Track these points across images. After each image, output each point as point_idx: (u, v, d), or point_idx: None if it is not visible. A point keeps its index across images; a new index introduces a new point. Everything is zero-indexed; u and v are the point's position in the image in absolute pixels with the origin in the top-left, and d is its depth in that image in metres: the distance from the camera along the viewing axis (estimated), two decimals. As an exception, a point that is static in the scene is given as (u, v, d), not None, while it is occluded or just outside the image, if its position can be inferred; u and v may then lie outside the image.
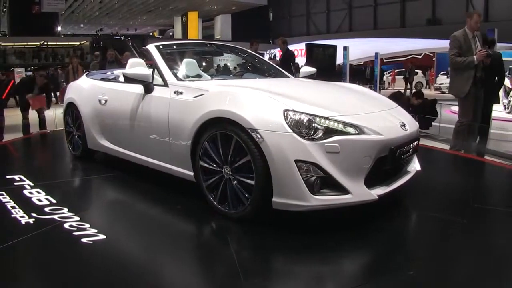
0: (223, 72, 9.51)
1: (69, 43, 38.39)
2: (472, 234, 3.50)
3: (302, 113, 3.37)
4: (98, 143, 5.49)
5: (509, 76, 11.29)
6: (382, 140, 3.47)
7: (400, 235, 3.57)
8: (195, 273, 3.00)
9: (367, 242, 3.32)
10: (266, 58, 19.08)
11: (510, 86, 11.18)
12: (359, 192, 3.33)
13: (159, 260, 3.06)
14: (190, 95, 4.07)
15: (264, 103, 3.56)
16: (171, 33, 54.94)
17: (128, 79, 4.50)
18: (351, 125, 3.39)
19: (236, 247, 3.22)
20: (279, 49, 11.91)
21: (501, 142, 9.33)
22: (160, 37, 58.13)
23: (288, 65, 10.55)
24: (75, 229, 3.49)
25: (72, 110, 5.95)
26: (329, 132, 3.30)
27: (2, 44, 33.09)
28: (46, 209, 3.92)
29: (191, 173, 4.04)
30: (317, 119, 3.34)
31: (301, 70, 5.65)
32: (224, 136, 3.61)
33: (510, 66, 11.41)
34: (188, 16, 46.22)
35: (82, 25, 56.12)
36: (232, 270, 2.86)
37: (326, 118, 3.36)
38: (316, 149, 3.22)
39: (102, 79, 5.88)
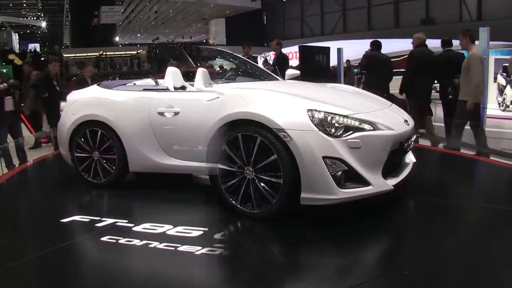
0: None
1: (127, 52, 39.25)
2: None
3: (324, 112, 3.56)
4: (154, 163, 4.77)
5: (503, 74, 11.79)
6: (395, 135, 3.71)
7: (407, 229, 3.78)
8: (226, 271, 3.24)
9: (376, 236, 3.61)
10: (260, 61, 19.56)
11: (503, 84, 11.73)
12: (378, 183, 3.54)
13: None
14: (204, 98, 4.21)
15: (287, 104, 3.75)
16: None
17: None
18: (367, 122, 3.61)
19: (259, 243, 3.49)
20: (273, 52, 12.04)
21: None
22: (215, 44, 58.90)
23: (281, 68, 9.95)
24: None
25: (92, 130, 5.06)
26: (348, 129, 3.52)
27: (65, 55, 35.04)
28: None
29: (206, 177, 4.14)
30: (337, 117, 3.54)
31: (286, 72, 5.65)
32: (246, 138, 3.68)
33: (504, 64, 11.80)
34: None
35: (139, 35, 57.34)
36: (258, 265, 3.17)
37: (345, 116, 3.58)
38: (340, 145, 3.43)
39: (151, 90, 5.14)
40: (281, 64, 10.75)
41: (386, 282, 2.81)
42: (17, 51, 41.55)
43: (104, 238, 3.69)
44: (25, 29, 56.00)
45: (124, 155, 4.92)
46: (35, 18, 51.11)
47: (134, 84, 5.73)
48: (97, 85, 5.62)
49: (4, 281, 3.10)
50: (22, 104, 9.03)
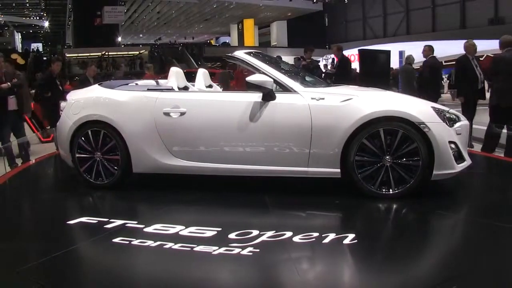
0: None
1: (129, 52, 39.15)
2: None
3: (438, 108, 4.63)
4: (159, 163, 4.96)
5: None
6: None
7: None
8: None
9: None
10: (322, 63, 19.68)
11: None
12: (468, 159, 4.68)
13: None
14: (335, 100, 4.58)
15: (416, 102, 4.81)
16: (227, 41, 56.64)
17: (252, 86, 4.59)
18: (456, 115, 4.76)
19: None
20: (334, 55, 12.30)
21: None
22: (217, 45, 59.99)
23: (344, 72, 10.81)
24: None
25: (93, 130, 5.12)
26: (451, 120, 4.60)
27: (67, 55, 35.14)
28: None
29: (338, 170, 4.60)
30: (445, 112, 4.62)
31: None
32: (387, 131, 4.43)
33: None
34: (244, 23, 46.68)
35: (141, 35, 57.90)
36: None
37: (448, 111, 4.69)
38: (453, 132, 4.51)
39: (155, 90, 5.21)
40: (344, 67, 11.07)
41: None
42: (19, 50, 41.41)
43: (116, 240, 3.72)
44: (27, 28, 56.98)
45: (128, 156, 5.05)
46: (37, 18, 51.90)
47: (136, 84, 5.88)
48: (99, 85, 5.73)
49: (17, 285, 3.10)
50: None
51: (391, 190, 4.52)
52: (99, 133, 5.12)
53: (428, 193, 4.66)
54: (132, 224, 4.06)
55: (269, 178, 4.94)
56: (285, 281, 3.10)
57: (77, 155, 5.22)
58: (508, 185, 5.49)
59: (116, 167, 5.12)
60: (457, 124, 4.63)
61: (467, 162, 4.68)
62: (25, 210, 5.00)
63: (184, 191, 5.12)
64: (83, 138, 5.17)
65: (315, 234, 3.65)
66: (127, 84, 5.79)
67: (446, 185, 4.93)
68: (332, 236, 3.62)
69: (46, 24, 51.79)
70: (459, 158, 4.58)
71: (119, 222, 4.10)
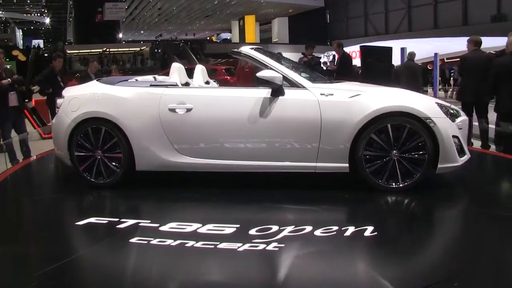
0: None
1: (130, 49, 39.58)
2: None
3: (442, 104, 4.76)
4: (164, 161, 4.83)
5: None
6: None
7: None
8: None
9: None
10: (323, 60, 19.76)
11: None
12: (468, 153, 4.82)
13: None
14: (343, 96, 4.63)
15: (422, 98, 4.95)
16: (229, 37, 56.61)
17: (262, 82, 4.61)
18: (457, 110, 4.89)
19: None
20: (335, 52, 12.19)
21: None
22: (218, 41, 59.91)
23: (345, 68, 10.79)
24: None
25: (94, 128, 4.93)
26: (453, 115, 4.71)
27: (68, 51, 35.18)
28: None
29: (346, 165, 4.65)
30: (447, 107, 4.74)
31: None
32: (394, 126, 4.53)
33: None
34: (245, 20, 46.71)
35: (142, 32, 58.09)
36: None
37: (449, 107, 4.78)
38: (456, 127, 4.64)
39: (159, 86, 5.04)
40: (345, 63, 11.02)
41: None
42: (20, 47, 41.45)
43: (133, 240, 3.58)
44: (29, 25, 56.87)
45: (131, 154, 4.88)
46: (38, 15, 51.81)
47: (136, 80, 5.65)
48: (97, 80, 5.55)
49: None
50: (26, 100, 8.71)
51: (399, 184, 4.62)
52: (99, 131, 4.92)
53: (429, 185, 4.76)
54: (145, 223, 3.93)
55: (272, 174, 4.92)
56: (318, 274, 3.08)
57: (76, 154, 5.00)
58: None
59: (118, 166, 4.94)
60: (459, 119, 4.76)
61: (468, 155, 4.81)
62: (29, 211, 4.81)
63: (190, 189, 5.02)
64: (82, 136, 4.96)
65: (335, 228, 3.69)
66: (127, 80, 5.56)
67: (444, 177, 5.03)
68: (352, 229, 3.67)
69: (47, 20, 52.00)
70: (461, 152, 4.70)
71: (131, 221, 3.96)
